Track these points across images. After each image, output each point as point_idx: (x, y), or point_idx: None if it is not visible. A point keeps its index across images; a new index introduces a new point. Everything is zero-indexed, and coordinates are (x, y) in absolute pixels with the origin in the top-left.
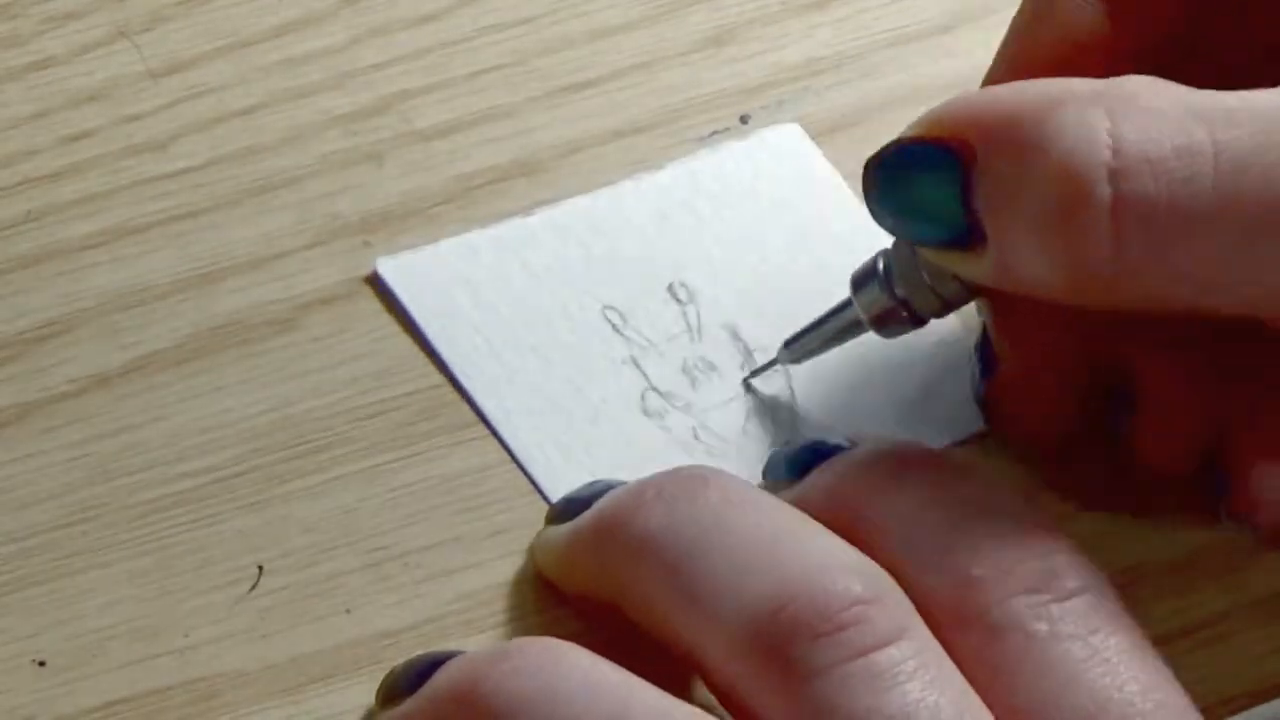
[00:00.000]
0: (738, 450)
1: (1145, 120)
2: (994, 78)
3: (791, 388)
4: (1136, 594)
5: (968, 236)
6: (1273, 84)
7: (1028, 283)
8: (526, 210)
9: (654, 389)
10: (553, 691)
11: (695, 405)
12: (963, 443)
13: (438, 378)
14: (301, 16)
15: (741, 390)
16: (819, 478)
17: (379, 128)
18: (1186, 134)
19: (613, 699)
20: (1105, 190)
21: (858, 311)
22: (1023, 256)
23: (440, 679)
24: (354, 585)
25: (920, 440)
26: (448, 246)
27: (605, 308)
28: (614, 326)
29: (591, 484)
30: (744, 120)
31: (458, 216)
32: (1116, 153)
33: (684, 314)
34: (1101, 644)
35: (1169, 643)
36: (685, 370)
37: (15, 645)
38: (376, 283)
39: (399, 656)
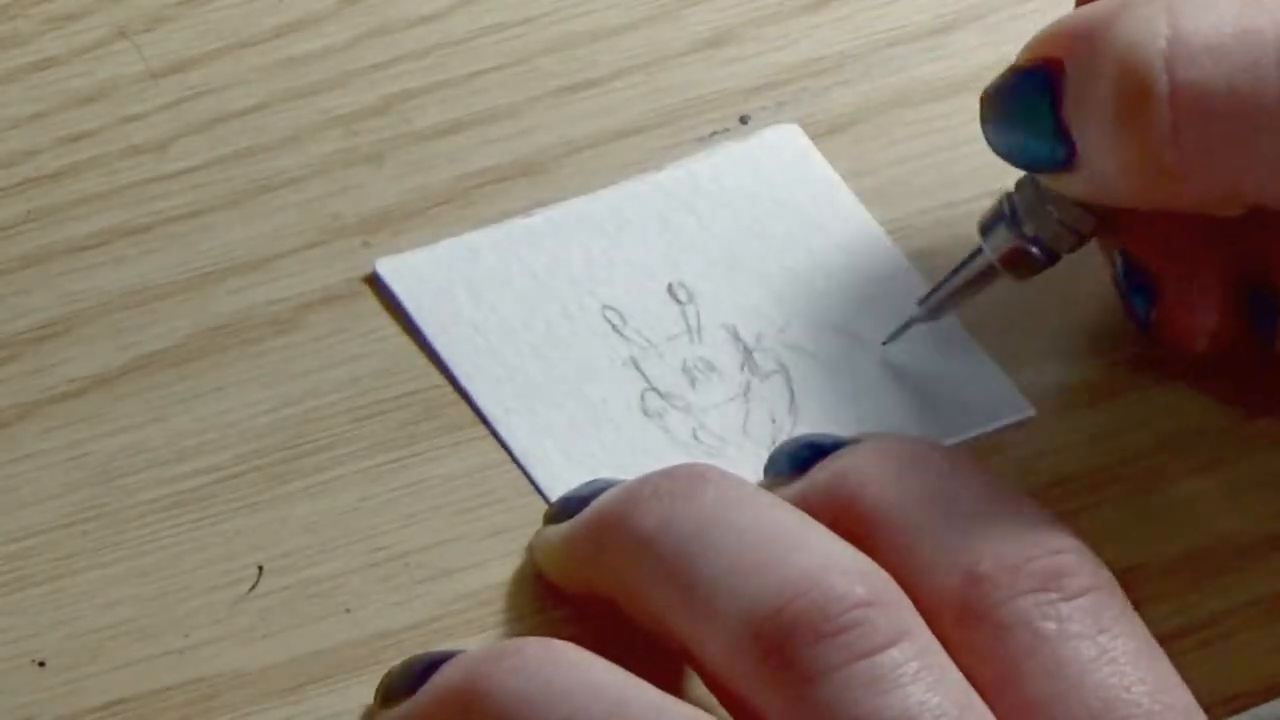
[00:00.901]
0: (737, 450)
1: (1204, 11)
2: None
3: (791, 388)
4: (1136, 594)
5: (1064, 156)
6: None
7: (1115, 192)
8: (527, 210)
9: (654, 389)
10: (550, 690)
11: (695, 405)
12: (961, 443)
13: (438, 378)
14: (301, 16)
15: (741, 390)
16: (821, 473)
17: (379, 128)
18: (1248, 19)
19: (610, 697)
20: (1163, 80)
21: (989, 256)
22: (1101, 160)
23: (439, 679)
24: (354, 585)
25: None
26: (447, 247)
27: (605, 308)
28: (614, 327)
29: (590, 483)
30: (744, 121)
31: (458, 216)
32: (1173, 41)
33: (684, 314)
34: (1109, 644)
35: (1169, 643)
36: (685, 370)
37: (15, 645)
38: (376, 283)
39: (399, 656)
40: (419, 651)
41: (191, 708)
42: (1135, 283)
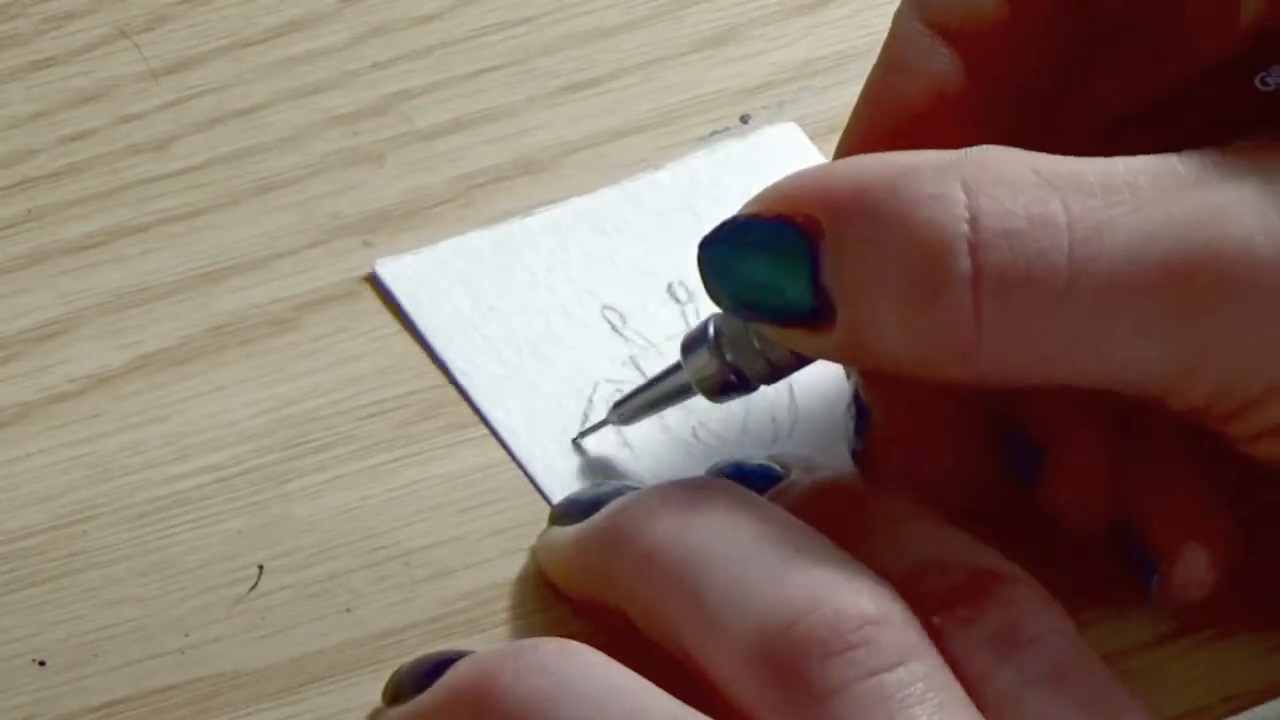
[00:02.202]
0: (737, 449)
1: (1000, 191)
2: (851, 137)
3: (791, 387)
4: (1136, 594)
5: (814, 315)
6: (1130, 148)
7: (881, 358)
8: (527, 210)
9: None
10: (566, 690)
11: (695, 405)
12: None
13: (438, 377)
14: (302, 16)
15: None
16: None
17: (380, 127)
18: (1041, 204)
19: (626, 700)
20: (965, 263)
21: (687, 377)
22: (878, 332)
23: (452, 676)
24: (354, 585)
25: None
26: (446, 247)
27: (604, 308)
28: (613, 326)
29: (596, 485)
30: (744, 120)
31: (458, 216)
32: (974, 225)
33: (683, 314)
34: (1070, 688)
35: (1169, 643)
36: None
37: (15, 645)
38: (376, 282)
39: (400, 656)
40: (420, 651)
41: (192, 707)
42: (857, 410)
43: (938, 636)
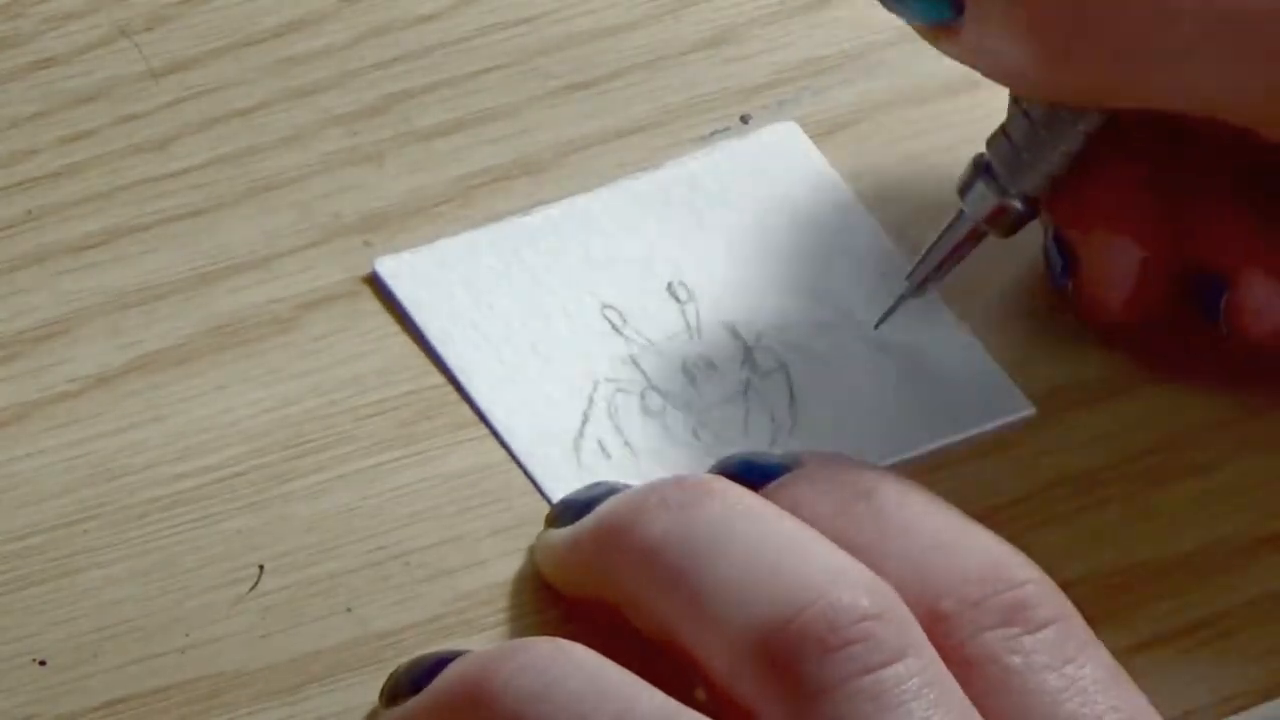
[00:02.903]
0: (737, 449)
1: None
2: None
3: (791, 386)
4: (1136, 594)
5: (949, 13)
6: None
7: (1002, 62)
8: (527, 210)
9: (654, 388)
10: (560, 690)
11: (695, 404)
12: (957, 442)
13: (438, 377)
14: (302, 16)
15: (741, 389)
16: (772, 499)
17: (379, 127)
18: None
19: (619, 699)
20: None
21: (971, 218)
22: (993, 31)
23: (446, 677)
24: (354, 584)
25: (918, 441)
26: (446, 246)
27: (604, 307)
28: (613, 325)
29: (592, 486)
30: (744, 120)
31: (458, 216)
32: None
33: (683, 313)
34: (1076, 674)
35: (1169, 643)
36: (685, 369)
37: (16, 644)
38: (376, 282)
39: (399, 656)
40: (420, 651)
41: (192, 707)
42: (1060, 249)
43: (946, 621)
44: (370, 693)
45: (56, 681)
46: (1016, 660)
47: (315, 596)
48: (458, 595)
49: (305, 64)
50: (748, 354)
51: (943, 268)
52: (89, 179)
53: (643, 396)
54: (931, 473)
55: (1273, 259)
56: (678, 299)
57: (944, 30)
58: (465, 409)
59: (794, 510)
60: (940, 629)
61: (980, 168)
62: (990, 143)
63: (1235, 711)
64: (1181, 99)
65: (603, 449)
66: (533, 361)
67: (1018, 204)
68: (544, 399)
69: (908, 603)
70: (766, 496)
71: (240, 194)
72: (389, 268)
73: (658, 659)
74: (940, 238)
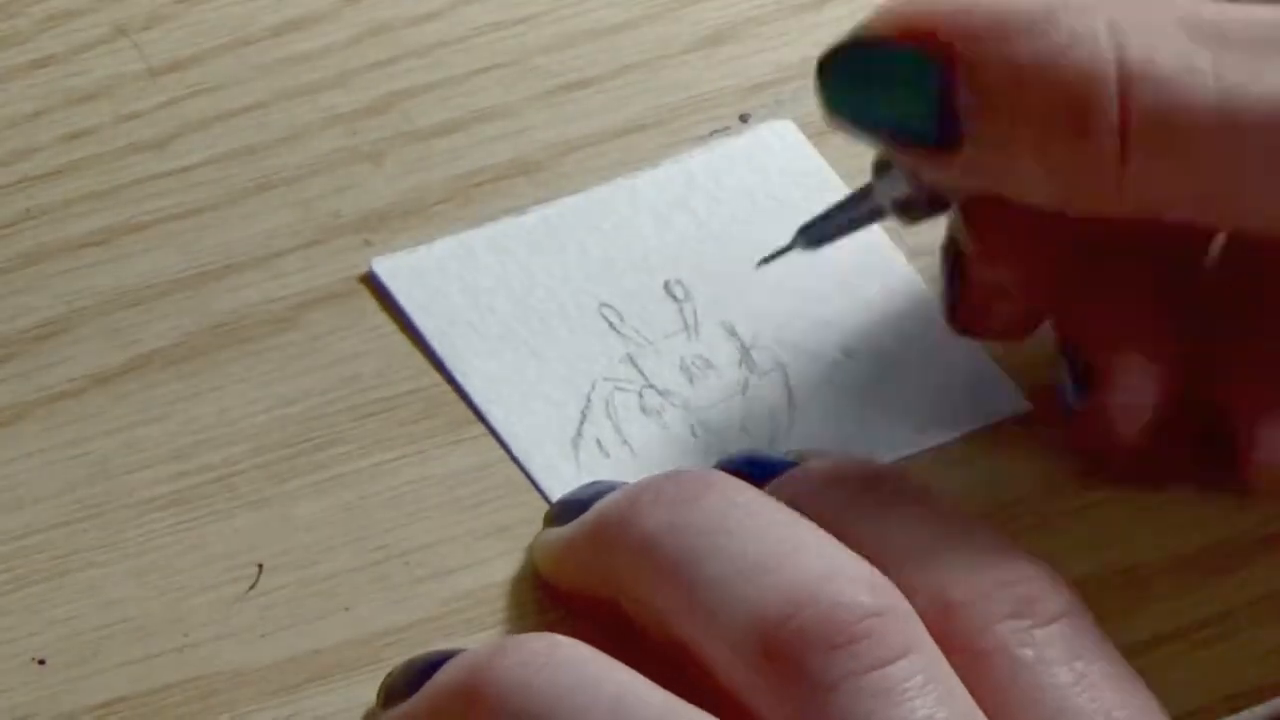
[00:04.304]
0: (735, 447)
1: (1146, 33)
2: None
3: (789, 385)
4: (1137, 594)
5: (940, 139)
6: None
7: (1011, 186)
8: (525, 209)
9: (651, 386)
10: (555, 684)
11: (693, 402)
12: (955, 441)
13: (437, 376)
14: (301, 15)
15: (739, 387)
16: (775, 495)
17: (379, 126)
18: (1187, 54)
19: (615, 692)
20: (1114, 106)
21: (877, 197)
22: (1015, 164)
23: (441, 676)
24: (354, 584)
25: (915, 439)
26: (443, 246)
27: (602, 305)
28: (611, 324)
29: (590, 485)
30: (743, 119)
31: (457, 215)
32: (1121, 67)
33: (680, 311)
34: (1085, 669)
35: (1169, 643)
36: (682, 368)
37: (15, 644)
38: (374, 282)
39: (399, 655)
40: (419, 650)
41: (191, 706)
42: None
43: (956, 612)
44: (369, 692)
45: (55, 681)
46: (1028, 653)
47: (314, 596)
48: (457, 594)
49: (304, 63)
50: (745, 353)
51: (838, 233)
52: (88, 178)
53: (640, 395)
54: (930, 472)
55: (1159, 340)
56: (675, 298)
57: (932, 150)
58: (464, 408)
59: (796, 506)
60: (950, 620)
61: None
62: None
63: (1235, 711)
64: (1221, 221)
65: (601, 448)
66: (530, 361)
67: (925, 198)
68: (542, 398)
69: (916, 596)
70: (768, 493)
71: (239, 193)
72: (386, 268)
73: (657, 656)
74: (844, 202)
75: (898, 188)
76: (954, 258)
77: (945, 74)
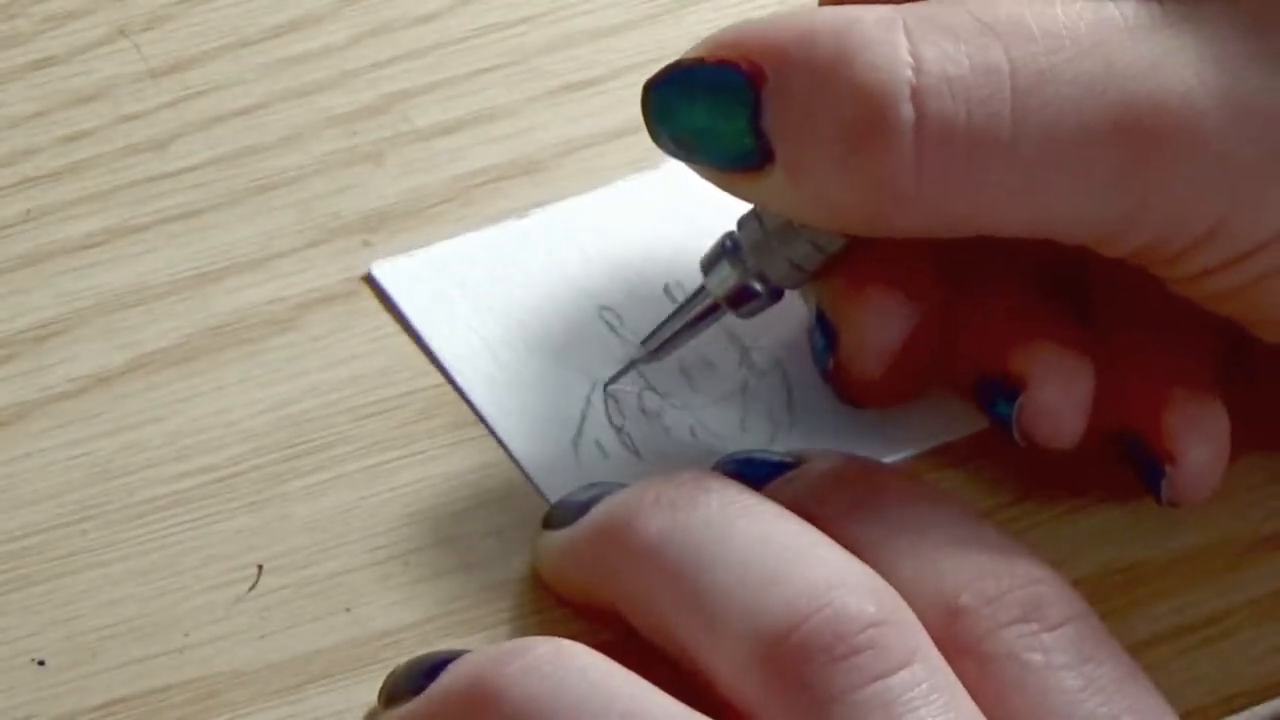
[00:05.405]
0: (735, 448)
1: (943, 38)
2: None
3: (788, 386)
4: (1136, 594)
5: (753, 159)
6: None
7: (822, 207)
8: (526, 210)
9: (651, 388)
10: (564, 692)
11: (693, 404)
12: (955, 441)
13: (437, 377)
14: (301, 16)
15: (739, 388)
16: (777, 496)
17: (379, 127)
18: (983, 51)
19: (624, 701)
20: (908, 110)
21: (710, 295)
22: (819, 179)
23: (448, 678)
24: (354, 584)
25: (915, 439)
26: (443, 248)
27: (602, 308)
28: (610, 327)
29: (588, 487)
30: None
31: (457, 216)
32: (918, 71)
33: None
34: (1094, 673)
35: (1169, 642)
36: (682, 369)
37: (15, 644)
38: (374, 284)
39: (399, 655)
40: (419, 650)
41: (191, 707)
42: (822, 328)
43: (962, 617)
44: (370, 692)
45: (55, 681)
46: (1036, 658)
47: (314, 596)
48: (456, 595)
49: (304, 64)
50: (745, 353)
51: (677, 339)
52: (88, 179)
53: (640, 397)
54: (930, 472)
55: (1064, 363)
56: (674, 300)
57: (745, 171)
58: (464, 409)
59: (797, 509)
60: (957, 625)
61: (726, 246)
62: (741, 223)
63: (1235, 711)
64: (1019, 228)
65: (601, 449)
66: (530, 363)
67: (759, 288)
68: (542, 399)
69: (921, 600)
70: (768, 495)
71: (239, 194)
72: (385, 270)
73: (657, 657)
74: (679, 308)
75: (728, 280)
76: (824, 326)
77: (754, 91)
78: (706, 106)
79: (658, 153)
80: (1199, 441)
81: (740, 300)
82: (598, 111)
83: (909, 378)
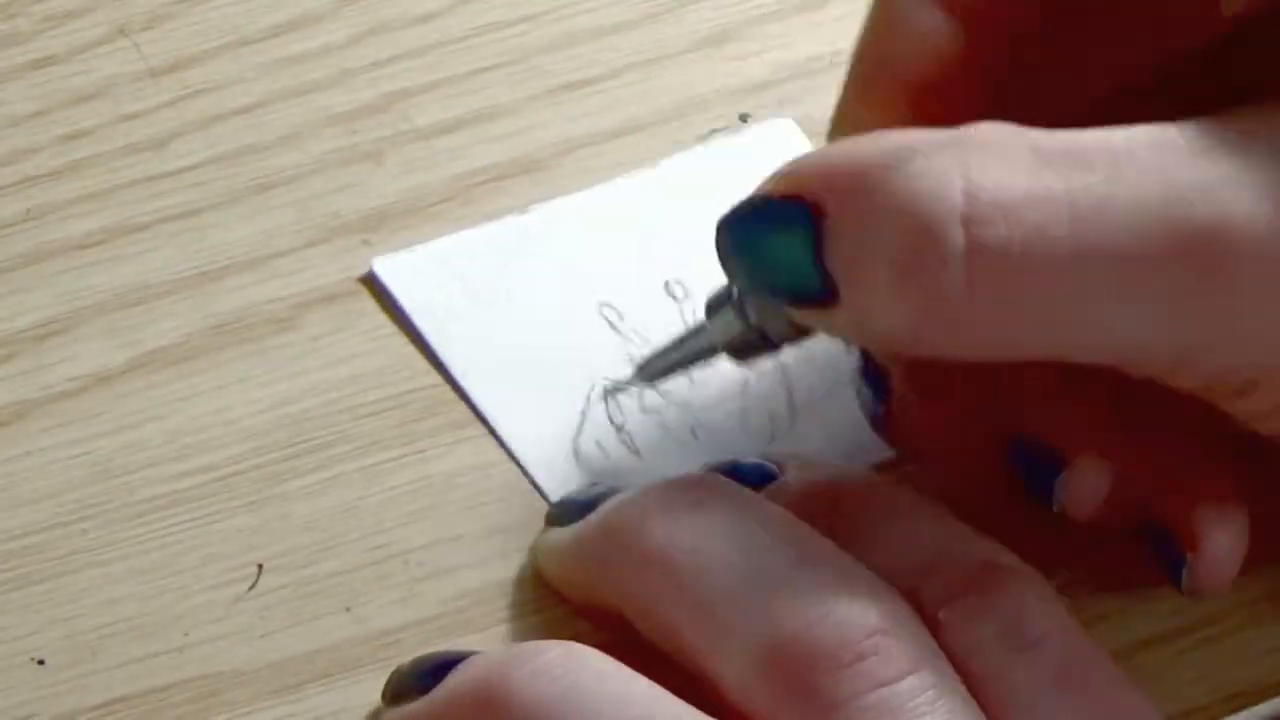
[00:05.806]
0: (736, 448)
1: (997, 167)
2: (846, 104)
3: (789, 385)
4: (1136, 594)
5: (821, 295)
6: (1122, 119)
7: (881, 335)
8: (526, 208)
9: (651, 387)
10: (577, 696)
11: (693, 403)
12: None
13: (437, 376)
14: (301, 15)
15: (739, 387)
16: (775, 500)
17: (379, 126)
18: (1040, 181)
19: (635, 706)
20: (959, 236)
21: (711, 338)
22: (875, 309)
23: (456, 679)
24: (354, 584)
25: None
26: (443, 245)
27: (602, 305)
28: (611, 324)
29: (590, 487)
30: (744, 119)
31: (457, 215)
32: (970, 199)
33: (681, 311)
34: (1079, 683)
35: (1169, 642)
36: None
37: (15, 644)
38: (374, 282)
39: (399, 655)
40: (419, 650)
41: (191, 706)
42: (869, 376)
43: (943, 631)
44: (370, 692)
45: (55, 680)
46: (1019, 676)
47: (314, 595)
48: (457, 594)
49: (304, 63)
50: None
51: (674, 369)
52: (88, 178)
53: (641, 395)
54: (930, 472)
55: (1103, 440)
56: (675, 297)
57: (815, 307)
58: (464, 408)
59: (796, 511)
60: (941, 639)
61: (733, 295)
62: None
63: (1235, 711)
64: (1081, 353)
65: (601, 448)
66: (530, 360)
67: (759, 339)
68: (542, 398)
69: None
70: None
71: (239, 193)
72: (386, 267)
73: (660, 661)
74: (679, 341)
75: (730, 330)
76: (872, 374)
77: (816, 228)
78: (775, 245)
79: (658, 151)
80: (1220, 533)
81: (741, 352)
82: (598, 110)
83: (963, 431)
